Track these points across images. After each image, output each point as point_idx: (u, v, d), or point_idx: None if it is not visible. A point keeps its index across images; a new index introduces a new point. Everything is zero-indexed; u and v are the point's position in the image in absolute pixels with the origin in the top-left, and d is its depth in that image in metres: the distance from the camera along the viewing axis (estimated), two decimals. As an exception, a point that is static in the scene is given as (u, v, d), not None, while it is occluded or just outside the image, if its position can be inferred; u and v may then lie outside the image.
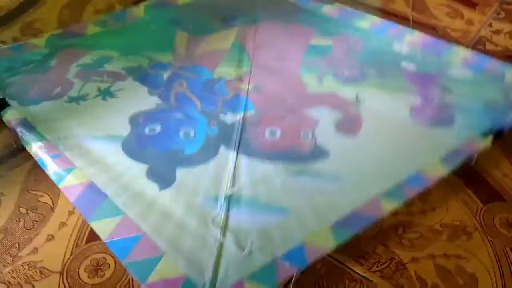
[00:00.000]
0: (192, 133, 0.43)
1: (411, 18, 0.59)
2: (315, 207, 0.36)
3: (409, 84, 0.48)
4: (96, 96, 0.47)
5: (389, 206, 0.36)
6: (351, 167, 0.39)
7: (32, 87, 0.46)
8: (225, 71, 0.50)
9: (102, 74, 0.49)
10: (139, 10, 0.58)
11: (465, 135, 0.43)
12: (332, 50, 0.54)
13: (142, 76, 0.50)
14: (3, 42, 0.57)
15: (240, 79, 0.49)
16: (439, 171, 0.39)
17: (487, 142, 0.41)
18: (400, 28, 0.56)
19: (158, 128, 0.44)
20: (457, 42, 0.53)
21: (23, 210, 0.37)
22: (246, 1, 0.63)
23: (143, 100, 0.47)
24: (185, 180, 0.38)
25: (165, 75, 0.50)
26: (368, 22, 0.58)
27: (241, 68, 0.50)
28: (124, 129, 0.43)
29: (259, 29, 0.56)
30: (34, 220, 0.37)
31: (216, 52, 0.53)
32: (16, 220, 0.37)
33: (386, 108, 0.44)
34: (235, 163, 0.39)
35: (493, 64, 0.51)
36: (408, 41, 0.54)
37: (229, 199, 0.36)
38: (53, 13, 0.63)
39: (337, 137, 0.42)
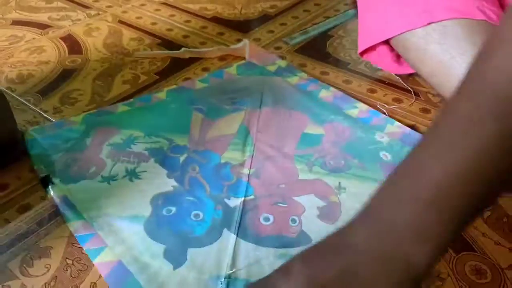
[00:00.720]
0: (201, 216, 0.49)
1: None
2: None
3: (383, 174, 0.54)
4: (124, 176, 0.53)
5: None
6: None
7: (72, 165, 0.53)
8: (231, 156, 0.57)
9: (129, 155, 0.57)
10: (162, 94, 0.67)
11: None
12: (322, 139, 0.58)
13: (162, 159, 0.56)
14: (45, 112, 0.65)
15: (243, 164, 0.55)
16: None
17: None
18: (382, 117, 0.61)
19: (173, 209, 0.50)
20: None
21: (69, 261, 0.45)
22: (254, 85, 0.69)
23: (162, 182, 0.53)
24: (195, 260, 0.43)
25: (181, 158, 0.56)
26: (357, 110, 0.63)
27: (244, 153, 0.57)
28: (146, 210, 0.49)
29: (263, 113, 0.63)
30: (79, 269, 0.44)
31: (225, 136, 0.59)
32: (63, 270, 0.44)
33: (362, 198, 0.50)
34: (234, 247, 0.46)
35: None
36: (389, 131, 0.60)
37: (228, 280, 0.43)
38: (87, 83, 0.72)
39: (319, 223, 0.49)
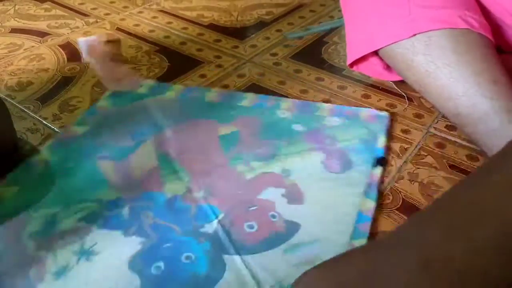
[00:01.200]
0: (193, 256, 0.45)
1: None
2: None
3: (307, 143, 0.57)
4: (78, 259, 0.44)
5: (361, 243, 0.46)
6: (318, 228, 0.47)
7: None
8: (173, 187, 0.52)
9: (64, 235, 0.47)
10: (42, 156, 0.56)
11: (366, 171, 0.54)
12: (239, 135, 0.59)
13: (104, 222, 0.48)
14: (45, 119, 0.66)
15: (189, 190, 0.52)
16: (369, 204, 0.50)
17: (378, 171, 0.54)
18: (273, 99, 0.66)
19: (161, 264, 0.44)
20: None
21: None
22: (140, 112, 0.64)
23: (125, 244, 0.46)
24: None
25: (124, 212, 0.49)
26: (247, 100, 0.65)
27: (182, 180, 0.53)
28: (133, 280, 0.43)
29: (169, 135, 0.59)
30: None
31: (150, 172, 0.54)
32: None
33: (307, 171, 0.54)
34: (246, 266, 0.44)
35: (350, 109, 0.64)
36: (284, 107, 0.64)
37: None
38: (86, 90, 0.72)
39: (293, 208, 0.50)
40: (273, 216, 0.50)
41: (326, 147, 0.58)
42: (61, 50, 0.84)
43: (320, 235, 0.48)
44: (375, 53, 0.66)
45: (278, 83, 0.74)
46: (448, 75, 0.55)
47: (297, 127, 0.61)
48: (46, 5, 1.01)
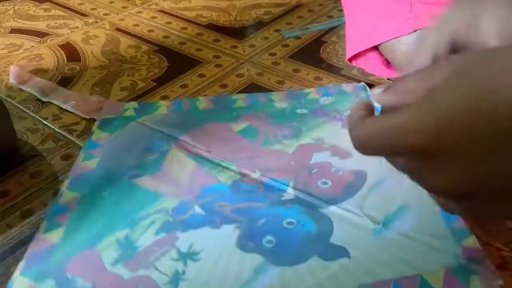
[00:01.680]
0: (293, 221, 0.45)
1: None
2: (409, 195, 0.47)
3: (319, 118, 0.60)
4: (185, 263, 0.42)
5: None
6: (381, 170, 0.50)
7: None
8: (228, 176, 0.51)
9: (152, 250, 0.44)
10: (67, 195, 0.49)
11: None
12: (255, 127, 0.59)
13: (184, 225, 0.46)
14: (45, 119, 0.67)
15: (244, 174, 0.51)
16: None
17: None
18: (261, 95, 0.67)
19: (270, 237, 0.44)
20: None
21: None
22: (146, 133, 0.60)
23: (221, 235, 0.43)
24: (346, 241, 0.43)
25: (197, 210, 0.47)
26: (241, 101, 0.65)
27: (230, 169, 0.52)
28: (254, 259, 0.42)
29: (189, 140, 0.57)
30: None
31: (193, 172, 0.52)
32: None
33: (335, 136, 0.57)
34: (347, 210, 0.46)
35: (332, 88, 0.67)
36: (277, 99, 0.65)
37: (382, 226, 0.45)
38: (85, 90, 0.73)
39: (348, 162, 0.53)
40: (337, 171, 0.52)
41: (337, 117, 0.61)
42: (60, 50, 0.84)
43: (386, 174, 0.50)
44: (375, 48, 0.66)
45: (277, 83, 0.74)
46: None
47: (301, 111, 0.64)
48: (46, 5, 1.01)
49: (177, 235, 0.45)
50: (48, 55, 0.82)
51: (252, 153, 0.56)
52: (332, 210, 0.47)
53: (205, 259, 0.43)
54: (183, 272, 0.42)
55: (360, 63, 0.71)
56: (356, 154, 0.49)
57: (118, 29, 0.91)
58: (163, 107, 0.66)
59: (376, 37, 0.63)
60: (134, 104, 0.67)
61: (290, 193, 0.50)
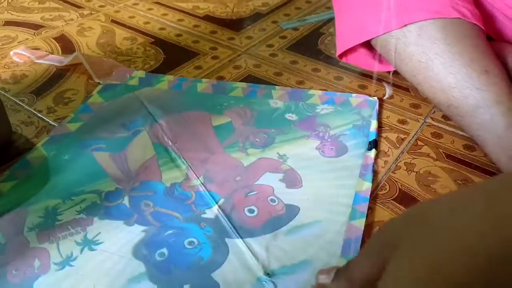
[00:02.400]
0: (195, 241, 0.45)
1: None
2: (319, 252, 0.44)
3: (301, 131, 0.58)
4: (82, 250, 0.44)
5: (360, 223, 0.47)
6: (317, 210, 0.48)
7: (6, 273, 0.43)
8: (171, 176, 0.52)
9: (65, 228, 0.47)
10: (39, 152, 0.55)
11: (360, 154, 0.55)
12: (234, 125, 0.59)
13: (105, 212, 0.48)
14: (39, 112, 0.66)
15: (187, 178, 0.52)
16: (365, 185, 0.51)
17: (372, 153, 0.55)
18: (263, 87, 0.66)
19: (165, 251, 0.44)
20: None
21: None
22: (133, 104, 0.64)
23: (128, 233, 0.46)
24: (226, 279, 0.41)
25: (125, 202, 0.49)
26: (239, 89, 0.65)
27: (180, 167, 0.54)
28: (138, 267, 0.43)
29: (164, 126, 0.59)
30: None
31: (148, 162, 0.55)
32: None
33: (303, 156, 0.55)
34: (248, 248, 0.45)
35: (341, 96, 0.65)
36: (276, 96, 0.64)
37: (269, 277, 0.42)
38: (80, 83, 0.72)
39: (292, 192, 0.51)
40: (273, 201, 0.51)
41: (320, 134, 0.59)
42: (55, 42, 0.83)
43: (319, 216, 0.49)
44: (365, 43, 0.65)
45: (274, 75, 0.73)
46: (440, 66, 0.54)
47: (290, 117, 0.62)
48: (40, -3, 1.00)
49: (94, 220, 0.48)
50: (43, 48, 0.81)
51: (210, 155, 0.56)
52: (236, 242, 0.46)
53: (99, 252, 0.45)
54: (75, 258, 0.44)
55: (350, 59, 0.70)
56: (306, 185, 0.51)
57: (113, 21, 0.90)
58: (165, 82, 0.69)
59: (367, 32, 0.62)
60: (141, 73, 0.71)
61: (213, 211, 0.49)
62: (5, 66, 0.76)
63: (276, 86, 0.68)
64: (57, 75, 0.73)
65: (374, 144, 0.57)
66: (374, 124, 0.60)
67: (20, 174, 0.54)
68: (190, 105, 0.64)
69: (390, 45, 0.60)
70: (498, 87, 0.51)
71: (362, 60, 0.69)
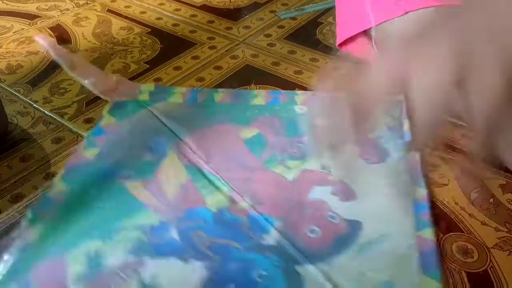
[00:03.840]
0: (264, 273, 0.41)
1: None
2: (398, 271, 0.41)
3: None
4: None
5: (428, 234, 0.44)
6: (380, 223, 0.45)
7: None
8: (216, 200, 0.47)
9: (113, 275, 0.40)
10: (59, 187, 0.48)
11: (402, 157, 0.51)
12: (264, 137, 0.54)
13: (156, 251, 0.42)
14: (35, 102, 0.65)
15: (233, 201, 0.47)
16: (420, 191, 0.48)
17: (414, 154, 0.52)
18: (284, 93, 0.62)
19: (233, 286, 0.40)
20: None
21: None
22: (150, 123, 0.57)
23: (188, 272, 0.40)
24: None
25: (174, 235, 0.44)
26: (260, 97, 0.60)
27: (222, 190, 0.49)
28: None
29: (191, 145, 0.54)
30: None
31: (184, 187, 0.49)
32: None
33: (346, 165, 0.49)
34: (323, 275, 0.40)
35: None
36: (300, 101, 0.59)
37: None
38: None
39: (348, 205, 0.46)
40: (332, 217, 0.46)
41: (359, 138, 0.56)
42: (51, 32, 0.82)
43: (384, 230, 0.44)
44: (365, 33, 0.65)
45: (272, 64, 0.73)
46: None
47: (318, 122, 0.59)
48: (35, -13, 0.99)
49: (145, 261, 0.42)
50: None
51: (251, 173, 0.51)
52: (309, 269, 0.41)
53: None
54: None
55: (350, 48, 0.69)
56: (359, 197, 0.47)
57: (109, 11, 0.89)
58: (178, 94, 0.62)
59: (367, 20, 0.61)
60: (150, 86, 0.63)
61: (273, 236, 0.44)
62: (0, 56, 0.75)
63: (298, 91, 0.64)
64: (53, 66, 0.73)
65: (412, 145, 0.54)
66: (406, 124, 0.56)
67: (45, 215, 0.46)
68: (212, 119, 0.58)
69: (390, 34, 0.59)
70: None
71: (361, 49, 0.69)
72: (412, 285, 0.40)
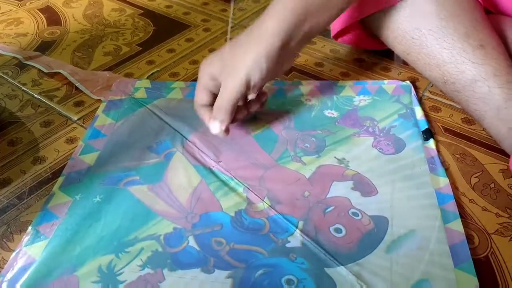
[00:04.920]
0: (294, 279, 0.38)
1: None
2: (431, 268, 0.39)
3: (348, 128, 0.52)
4: None
5: (457, 225, 0.42)
6: (406, 217, 0.43)
7: None
8: (232, 203, 0.45)
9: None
10: (59, 198, 0.45)
11: (419, 146, 0.50)
12: (274, 131, 0.52)
13: (174, 261, 0.40)
14: (23, 85, 0.63)
15: (250, 202, 0.45)
16: (442, 181, 0.46)
17: (432, 144, 0.51)
18: (289, 83, 0.59)
19: None
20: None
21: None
22: (150, 122, 0.55)
23: (212, 283, 0.38)
24: None
25: (191, 244, 0.41)
26: (265, 88, 0.55)
27: (237, 191, 0.46)
28: None
29: (197, 143, 0.51)
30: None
31: (197, 190, 0.46)
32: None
33: (363, 157, 0.49)
34: (357, 276, 0.39)
35: (372, 84, 0.59)
36: (307, 92, 0.58)
37: None
38: (66, 55, 0.69)
39: (370, 200, 0.44)
40: (355, 214, 0.44)
41: (369, 129, 0.53)
42: (40, 14, 0.80)
43: (411, 225, 0.43)
44: (359, 22, 0.63)
45: (268, 47, 0.71)
46: (434, 41, 0.52)
47: (330, 113, 0.56)
48: (24, -33, 0.96)
49: (164, 274, 0.39)
50: (27, 19, 0.78)
51: (264, 171, 0.48)
52: (340, 271, 0.39)
53: None
54: None
55: (345, 39, 0.68)
56: (380, 190, 0.45)
57: (101, -8, 0.86)
58: (177, 90, 0.60)
59: (361, 10, 0.59)
60: (146, 82, 0.61)
61: (297, 237, 0.42)
62: (-12, 38, 0.73)
63: (302, 81, 0.62)
64: (42, 48, 0.71)
65: (429, 133, 0.52)
66: (419, 111, 0.56)
67: (48, 230, 0.43)
68: None
69: (384, 23, 0.57)
70: (495, 61, 0.50)
71: (356, 39, 0.67)
72: (448, 282, 0.38)
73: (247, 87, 0.46)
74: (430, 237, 0.42)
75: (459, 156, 0.51)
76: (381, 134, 0.53)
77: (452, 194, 0.45)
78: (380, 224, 0.43)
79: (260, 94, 0.52)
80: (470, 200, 0.46)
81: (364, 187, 0.47)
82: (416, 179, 0.47)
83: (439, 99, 0.60)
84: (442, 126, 0.56)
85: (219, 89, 0.48)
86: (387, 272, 0.39)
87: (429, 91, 0.61)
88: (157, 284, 0.38)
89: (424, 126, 0.54)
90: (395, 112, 0.56)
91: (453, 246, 0.41)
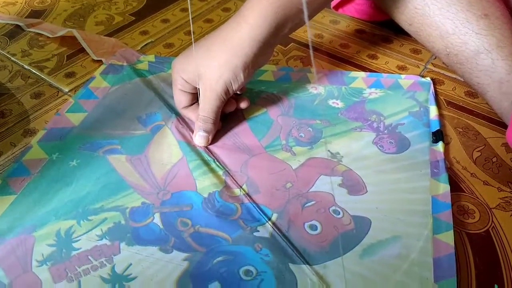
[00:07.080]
0: (253, 270, 0.36)
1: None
2: (406, 280, 0.36)
3: (351, 121, 0.49)
4: None
5: (447, 237, 0.39)
6: (392, 222, 0.40)
7: None
8: (207, 184, 0.43)
9: (85, 259, 0.37)
10: (36, 152, 0.45)
11: (425, 148, 0.46)
12: (270, 116, 0.50)
13: (134, 236, 0.38)
14: (13, 55, 0.61)
15: (227, 186, 0.43)
16: (442, 188, 0.43)
17: (440, 147, 0.47)
18: (297, 70, 0.56)
19: (217, 284, 0.36)
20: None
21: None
22: (146, 92, 0.53)
23: (167, 263, 0.36)
24: None
25: (155, 221, 0.40)
26: (269, 74, 0.55)
27: (215, 172, 0.44)
28: None
29: (188, 120, 0.50)
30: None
31: (177, 166, 0.44)
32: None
33: (360, 154, 0.46)
34: (321, 278, 0.36)
35: (387, 78, 0.55)
36: (315, 80, 0.54)
37: None
38: (57, 25, 0.67)
39: (357, 199, 0.42)
40: (336, 212, 0.41)
41: (374, 125, 0.50)
42: (29, -19, 0.77)
43: (397, 231, 0.40)
44: None
45: (266, 17, 0.68)
46: (437, 11, 0.50)
47: (335, 103, 0.53)
48: None
49: (120, 247, 0.38)
50: (16, -13, 0.75)
51: (249, 157, 0.46)
52: (304, 270, 0.37)
53: None
54: None
55: (346, 10, 0.66)
56: (370, 190, 0.42)
57: (93, -40, 0.83)
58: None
59: None
60: (150, 57, 0.58)
61: (267, 229, 0.40)
62: (-25, 7, 0.70)
63: (311, 68, 0.58)
64: (32, 17, 0.68)
65: (440, 136, 0.48)
66: (433, 111, 0.51)
67: (18, 185, 0.42)
68: None
69: None
70: (499, 31, 0.48)
71: (358, 9, 0.65)
72: None
73: (227, 95, 0.45)
74: (414, 246, 0.38)
75: (461, 130, 0.50)
76: (385, 131, 0.49)
77: (450, 203, 0.42)
78: (361, 225, 0.40)
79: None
80: (471, 174, 0.45)
81: (353, 184, 0.44)
82: (414, 182, 0.44)
83: (442, 71, 0.58)
84: (445, 99, 0.54)
85: (196, 89, 0.47)
86: (357, 278, 0.36)
87: (432, 63, 0.60)
88: (111, 257, 0.37)
89: (436, 127, 0.49)
90: (406, 109, 0.52)
91: (438, 259, 0.37)
